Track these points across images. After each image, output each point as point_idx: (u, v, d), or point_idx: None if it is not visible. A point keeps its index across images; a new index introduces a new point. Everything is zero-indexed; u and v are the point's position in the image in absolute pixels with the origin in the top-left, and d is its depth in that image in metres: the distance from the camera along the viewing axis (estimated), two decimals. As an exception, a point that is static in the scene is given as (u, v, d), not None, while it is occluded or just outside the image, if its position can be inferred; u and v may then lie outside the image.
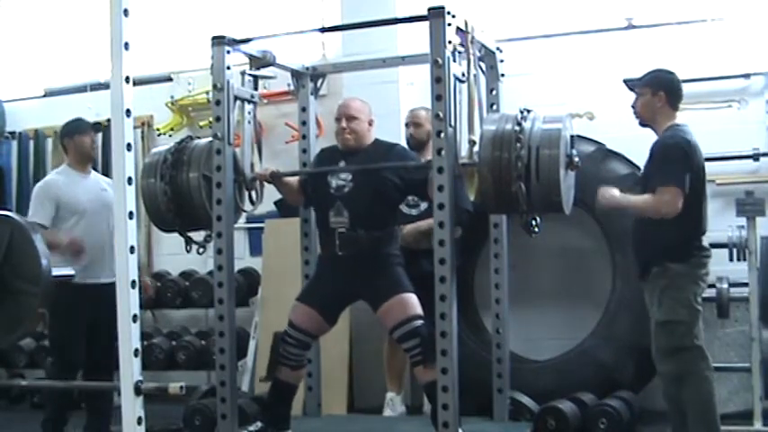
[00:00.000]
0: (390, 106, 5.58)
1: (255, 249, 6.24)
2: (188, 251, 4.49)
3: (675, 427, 3.96)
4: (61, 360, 4.71)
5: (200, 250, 4.46)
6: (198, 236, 4.48)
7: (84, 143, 4.82)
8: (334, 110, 5.81)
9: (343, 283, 4.11)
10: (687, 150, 3.81)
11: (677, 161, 3.78)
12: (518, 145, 3.67)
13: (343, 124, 4.21)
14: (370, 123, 4.25)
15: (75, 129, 4.86)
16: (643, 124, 4.04)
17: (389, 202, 4.18)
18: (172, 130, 6.53)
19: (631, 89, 4.09)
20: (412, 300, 3.97)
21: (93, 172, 4.98)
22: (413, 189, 4.16)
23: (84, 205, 4.71)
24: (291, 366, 4.14)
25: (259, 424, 4.22)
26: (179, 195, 4.32)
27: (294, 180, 4.44)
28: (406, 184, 4.13)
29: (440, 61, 3.69)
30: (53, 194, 4.68)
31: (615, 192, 3.97)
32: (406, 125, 5.08)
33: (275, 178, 4.34)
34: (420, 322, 3.88)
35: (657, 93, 3.94)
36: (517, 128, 3.70)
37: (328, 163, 4.27)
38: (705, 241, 3.94)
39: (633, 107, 4.05)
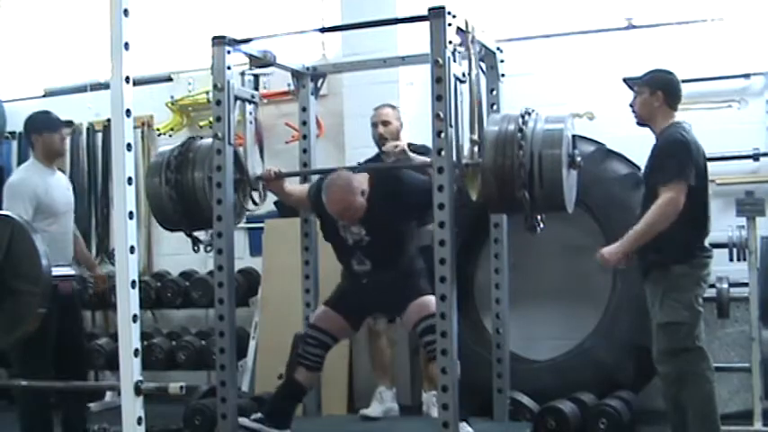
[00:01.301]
0: (390, 107, 5.58)
1: (255, 249, 6.24)
2: (195, 251, 4.49)
3: (675, 427, 3.95)
4: (37, 358, 4.44)
5: (208, 248, 4.44)
6: (202, 234, 4.47)
7: (54, 140, 4.66)
8: (335, 110, 5.88)
9: (370, 301, 4.24)
10: (689, 146, 3.82)
11: (679, 156, 3.79)
12: (520, 152, 3.65)
13: (341, 219, 4.10)
14: (363, 194, 4.06)
15: (44, 125, 4.67)
16: (641, 123, 4.05)
17: (408, 235, 4.22)
18: (172, 130, 6.54)
19: (631, 88, 4.12)
20: (432, 300, 3.98)
21: (57, 170, 4.82)
22: (422, 211, 4.11)
23: (58, 206, 4.60)
24: (307, 366, 4.18)
25: (260, 414, 4.23)
26: (184, 196, 4.34)
27: (297, 189, 4.47)
28: (417, 211, 4.14)
29: (440, 61, 3.69)
30: (32, 194, 4.47)
31: (611, 247, 3.94)
32: (373, 125, 4.99)
33: (279, 178, 4.35)
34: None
35: (655, 92, 3.95)
36: (519, 130, 3.70)
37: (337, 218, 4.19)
38: (707, 242, 3.94)
39: (631, 106, 4.06)
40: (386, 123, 4.94)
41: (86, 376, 4.80)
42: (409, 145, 4.86)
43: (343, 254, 4.25)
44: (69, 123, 4.96)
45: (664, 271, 3.83)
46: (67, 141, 6.11)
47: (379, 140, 4.94)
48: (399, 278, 4.14)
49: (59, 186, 4.71)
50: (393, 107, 5.03)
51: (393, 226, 4.12)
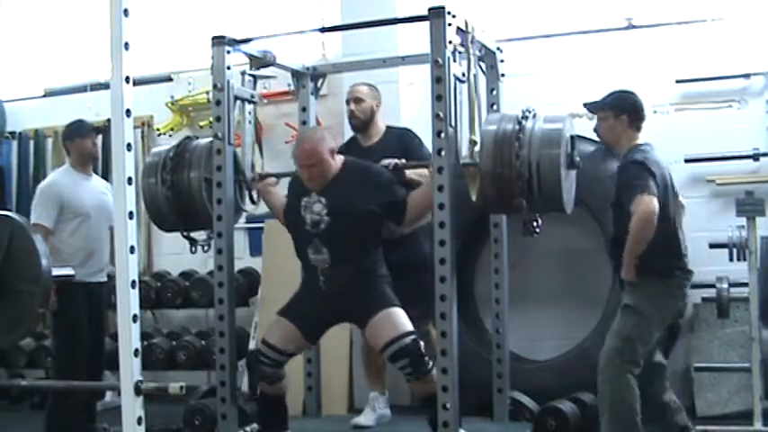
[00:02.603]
0: (390, 106, 5.56)
1: (255, 249, 6.24)
2: (193, 252, 4.52)
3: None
4: (72, 357, 4.60)
5: (206, 248, 4.46)
6: (199, 235, 4.49)
7: (85, 145, 4.84)
8: (335, 109, 5.88)
9: (327, 308, 3.97)
10: (650, 165, 3.73)
11: (637, 174, 3.70)
12: (518, 161, 3.65)
13: (306, 175, 3.94)
14: (332, 153, 3.95)
15: (76, 131, 4.88)
16: (606, 147, 4.04)
17: (371, 232, 3.97)
18: (172, 130, 6.54)
19: (593, 112, 4.05)
20: (399, 316, 3.84)
21: (93, 174, 5.00)
22: (387, 213, 3.98)
23: (87, 208, 4.73)
24: (270, 382, 4.04)
25: (256, 426, 4.21)
26: (181, 196, 4.33)
27: (279, 199, 4.31)
28: (381, 208, 3.94)
29: (440, 61, 3.70)
30: (56, 196, 4.67)
31: (624, 268, 3.77)
32: (346, 102, 4.80)
33: (262, 178, 4.31)
34: (410, 339, 3.78)
35: (620, 116, 3.90)
36: (517, 134, 3.69)
37: (301, 194, 4.01)
38: (689, 265, 3.87)
39: (596, 131, 4.03)
40: (358, 101, 4.71)
41: (100, 377, 4.84)
42: (388, 128, 4.80)
43: (300, 241, 4.01)
44: (99, 128, 5.07)
45: (637, 285, 3.76)
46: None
47: (351, 119, 4.76)
48: (360, 278, 3.88)
49: (92, 190, 4.86)
50: (370, 86, 4.82)
51: (354, 212, 3.87)
